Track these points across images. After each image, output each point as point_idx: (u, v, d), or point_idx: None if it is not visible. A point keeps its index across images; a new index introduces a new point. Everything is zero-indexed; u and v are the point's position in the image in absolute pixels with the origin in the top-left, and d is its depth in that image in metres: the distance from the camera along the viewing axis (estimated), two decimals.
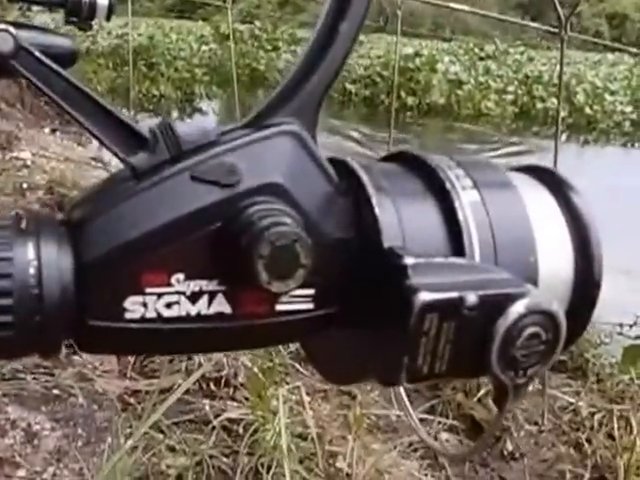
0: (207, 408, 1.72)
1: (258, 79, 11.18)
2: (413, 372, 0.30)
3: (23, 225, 0.30)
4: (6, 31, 0.31)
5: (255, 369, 1.74)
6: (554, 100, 10.79)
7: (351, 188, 0.33)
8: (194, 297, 0.31)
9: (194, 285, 0.30)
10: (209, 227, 0.30)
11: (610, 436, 1.91)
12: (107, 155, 4.57)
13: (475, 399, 2.01)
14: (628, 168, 7.61)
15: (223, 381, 1.82)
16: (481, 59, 13.59)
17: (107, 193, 0.31)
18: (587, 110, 10.55)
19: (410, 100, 9.91)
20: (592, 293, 0.35)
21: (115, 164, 4.32)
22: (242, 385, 1.80)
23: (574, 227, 0.35)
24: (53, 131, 5.72)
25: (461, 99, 10.45)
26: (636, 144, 10.25)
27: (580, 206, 0.35)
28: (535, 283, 0.34)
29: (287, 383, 1.78)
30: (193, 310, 0.31)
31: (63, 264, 0.29)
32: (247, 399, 1.73)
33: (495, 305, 0.30)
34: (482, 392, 2.01)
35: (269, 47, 12.80)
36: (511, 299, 0.30)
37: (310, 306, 0.32)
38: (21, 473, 1.51)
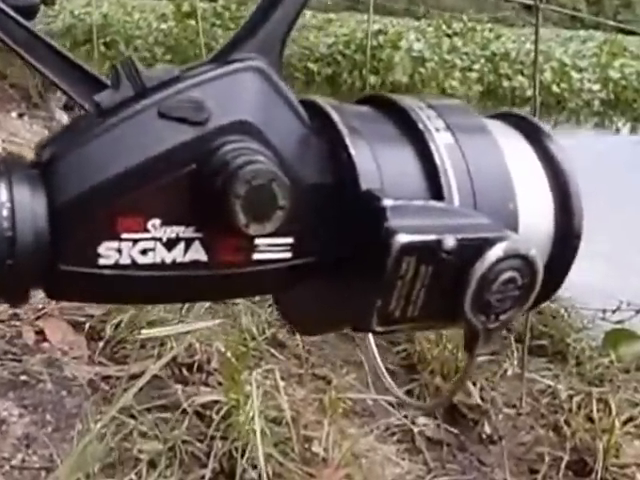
0: (179, 393, 1.71)
1: None
2: (385, 316, 0.31)
3: None
4: None
5: (229, 354, 1.74)
6: (520, 78, 10.78)
7: (324, 129, 0.33)
8: (170, 244, 0.31)
9: (170, 231, 0.31)
10: (183, 169, 0.30)
11: (589, 418, 1.93)
12: None
13: (453, 382, 2.02)
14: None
15: (196, 366, 1.82)
16: (448, 36, 13.43)
17: (74, 132, 0.32)
18: (555, 88, 10.46)
19: (373, 79, 9.79)
20: (572, 245, 0.36)
21: None
22: (215, 370, 1.80)
23: (553, 177, 0.36)
24: (20, 115, 5.64)
25: (425, 77, 10.32)
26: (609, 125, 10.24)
27: (559, 156, 0.36)
28: (515, 231, 0.34)
29: (259, 367, 1.78)
30: (169, 257, 0.31)
31: (37, 207, 0.29)
32: (220, 384, 1.73)
33: (473, 249, 0.31)
34: (460, 375, 2.03)
35: (232, 25, 12.74)
36: (489, 243, 0.31)
37: (288, 255, 0.33)
38: None
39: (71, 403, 1.72)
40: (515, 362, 2.21)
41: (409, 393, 2.01)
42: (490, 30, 14.41)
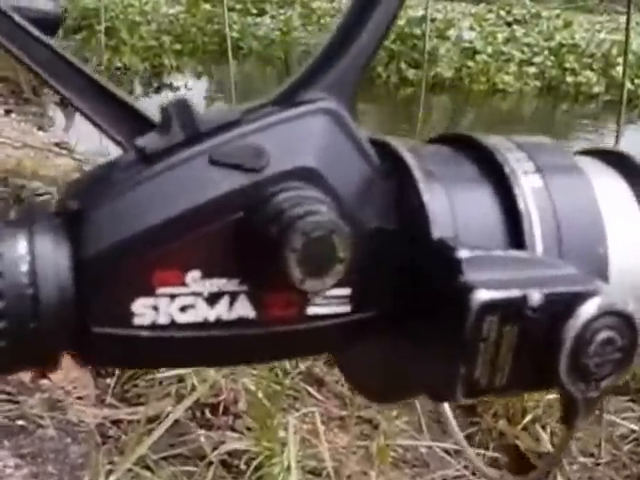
0: (202, 439, 1.74)
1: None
2: (471, 385, 0.31)
3: (13, 216, 0.31)
4: None
5: (259, 393, 1.76)
6: (588, 73, 10.70)
7: (395, 172, 0.34)
8: (212, 299, 0.31)
9: (212, 285, 0.31)
10: (230, 217, 0.31)
11: None
12: (73, 140, 4.59)
13: (520, 427, 2.03)
14: None
15: (221, 408, 1.85)
16: (508, 24, 13.48)
17: (110, 179, 0.32)
18: (628, 85, 10.36)
19: (411, 73, 9.76)
20: None
21: (83, 151, 4.34)
22: (244, 412, 1.83)
23: None
24: (7, 112, 5.72)
25: (473, 72, 10.29)
26: None
27: None
28: (605, 278, 0.34)
29: (297, 410, 1.81)
30: (212, 315, 0.31)
31: (60, 261, 0.30)
32: (250, 429, 1.76)
33: (563, 305, 0.31)
34: (528, 418, 2.03)
35: (254, 11, 12.87)
36: (581, 298, 0.31)
37: (346, 309, 0.33)
38: None
39: (76, 452, 1.75)
40: None
41: (469, 438, 2.01)
42: (557, 16, 14.37)
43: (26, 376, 2.01)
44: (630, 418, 2.27)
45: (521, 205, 0.33)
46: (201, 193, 0.31)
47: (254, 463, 1.64)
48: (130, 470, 1.55)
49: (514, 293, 0.30)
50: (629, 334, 0.31)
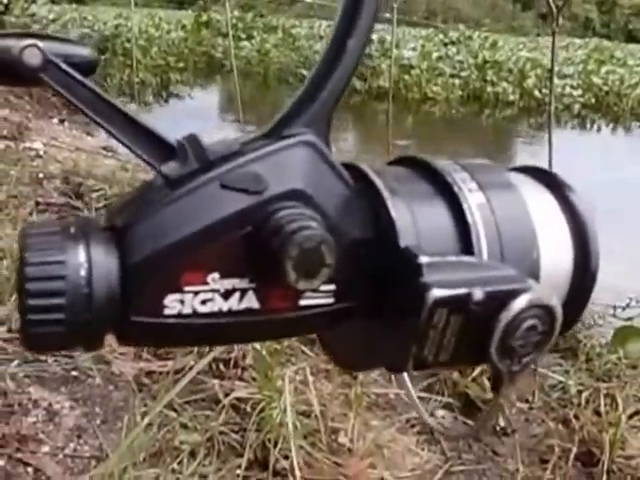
0: (217, 388, 1.73)
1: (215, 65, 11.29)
2: (419, 360, 0.32)
3: (72, 230, 0.31)
4: (34, 46, 0.32)
5: (263, 351, 1.75)
6: (504, 84, 10.65)
7: (366, 191, 0.35)
8: (227, 294, 0.32)
9: (227, 283, 0.32)
10: (241, 231, 0.32)
11: (597, 413, 1.93)
12: (116, 144, 4.55)
13: (470, 378, 2.02)
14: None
15: (232, 362, 1.83)
16: (445, 45, 13.43)
17: (145, 201, 0.33)
18: (536, 93, 10.35)
19: (358, 84, 9.75)
20: (589, 285, 0.37)
21: (125, 153, 4.32)
22: (250, 366, 1.82)
23: (573, 224, 0.37)
24: (61, 121, 5.71)
25: (408, 84, 10.26)
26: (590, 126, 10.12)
27: (578, 204, 0.37)
28: (537, 277, 0.35)
29: (292, 364, 1.80)
30: (225, 306, 0.32)
31: (110, 266, 0.31)
32: (254, 379, 1.75)
33: (500, 300, 0.32)
34: (477, 371, 2.03)
35: (243, 36, 12.84)
36: (515, 294, 0.32)
37: (331, 300, 0.34)
38: (45, 449, 1.53)
39: (118, 397, 1.75)
40: None
41: (429, 387, 2.01)
42: (485, 38, 14.28)
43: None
44: (559, 371, 2.26)
45: (469, 218, 0.34)
46: (217, 212, 0.32)
47: (258, 407, 1.63)
48: (160, 412, 1.54)
49: (461, 291, 0.31)
50: (550, 322, 0.32)
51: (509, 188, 0.36)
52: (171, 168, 0.32)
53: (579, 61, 13.36)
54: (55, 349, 0.32)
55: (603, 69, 12.46)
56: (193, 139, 0.33)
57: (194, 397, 1.71)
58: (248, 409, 1.65)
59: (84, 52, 0.36)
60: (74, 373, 1.82)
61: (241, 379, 1.80)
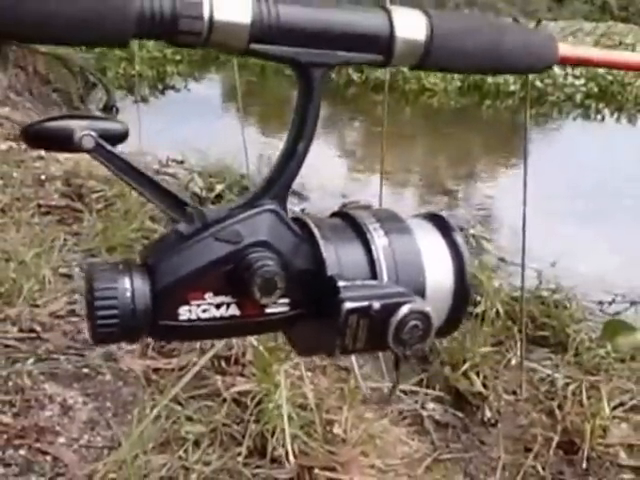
0: (219, 383, 1.89)
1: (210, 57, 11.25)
2: (343, 348, 0.51)
3: (120, 267, 0.51)
4: (89, 135, 0.50)
5: (261, 348, 1.91)
6: (507, 76, 10.64)
7: (308, 238, 0.54)
8: (218, 306, 0.51)
9: (218, 299, 0.51)
10: (226, 267, 0.51)
11: (581, 404, 2.11)
12: (119, 146, 4.66)
13: (460, 372, 2.21)
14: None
15: (233, 359, 1.99)
16: None
17: (166, 248, 0.52)
18: (538, 83, 10.25)
19: (355, 76, 9.86)
20: (465, 301, 0.56)
21: (127, 152, 4.42)
22: (250, 362, 1.98)
23: (454, 256, 0.56)
24: None
25: (406, 76, 10.13)
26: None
27: (459, 243, 0.56)
28: (423, 294, 0.54)
29: (290, 360, 1.95)
30: (218, 313, 0.51)
31: (145, 290, 0.50)
32: (254, 375, 1.91)
33: (392, 308, 0.51)
34: (466, 366, 2.22)
35: None
36: (400, 305, 0.51)
37: (286, 309, 0.53)
38: (61, 440, 1.71)
39: (127, 392, 1.92)
40: (518, 353, 2.39)
41: (421, 382, 2.19)
42: None
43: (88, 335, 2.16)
44: (548, 365, 2.44)
45: (375, 255, 0.53)
46: (211, 255, 0.51)
47: (257, 400, 1.79)
48: (167, 405, 1.71)
49: (365, 303, 0.50)
50: (426, 323, 0.52)
51: (405, 231, 0.55)
52: (183, 226, 0.52)
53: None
54: (113, 342, 0.52)
55: None
56: (197, 208, 0.53)
57: (198, 392, 1.87)
58: (248, 402, 1.81)
59: (117, 126, 0.52)
60: (85, 370, 1.98)
61: (241, 374, 1.96)
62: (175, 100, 8.35)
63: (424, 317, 0.52)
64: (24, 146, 4.36)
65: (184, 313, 0.51)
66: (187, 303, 0.51)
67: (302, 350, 0.59)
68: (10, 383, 1.88)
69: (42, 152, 4.29)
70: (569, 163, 5.85)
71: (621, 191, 5.21)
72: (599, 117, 10.04)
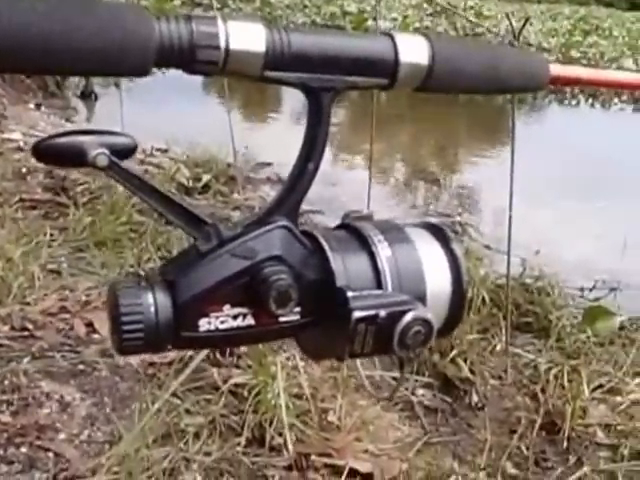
0: (216, 375, 1.92)
1: None
2: (351, 353, 0.55)
3: (143, 283, 0.54)
4: (103, 154, 0.50)
5: None
6: None
7: (318, 250, 0.57)
8: (235, 317, 0.54)
9: (236, 310, 0.54)
10: (242, 280, 0.54)
11: (562, 387, 2.16)
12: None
13: (448, 359, 2.25)
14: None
15: (228, 351, 2.01)
16: (430, 15, 13.29)
17: (186, 264, 0.55)
18: None
19: None
20: (462, 306, 0.59)
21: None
22: (245, 354, 2.00)
23: (452, 264, 0.59)
24: (37, 106, 5.61)
25: None
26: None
27: (457, 252, 0.59)
28: (424, 301, 0.57)
29: (284, 351, 1.99)
30: (234, 324, 0.54)
31: (167, 305, 0.53)
32: (250, 366, 1.93)
33: (397, 316, 0.54)
34: (454, 353, 2.25)
35: (218, 6, 12.82)
36: (405, 312, 0.54)
37: (298, 317, 0.56)
38: (62, 436, 1.73)
39: (124, 387, 1.94)
40: (503, 339, 2.44)
41: (410, 368, 2.22)
42: (471, 8, 13.95)
43: (81, 331, 2.14)
44: (532, 350, 2.48)
45: (380, 266, 0.56)
46: (228, 270, 0.54)
47: (254, 391, 1.81)
48: (166, 399, 1.74)
49: (372, 312, 0.53)
50: (428, 328, 0.55)
51: (408, 242, 0.58)
52: (201, 244, 0.55)
53: (564, 32, 13.40)
54: (138, 354, 0.55)
55: (586, 41, 12.48)
56: (214, 226, 0.55)
57: (195, 384, 1.89)
58: (245, 393, 1.84)
59: (126, 140, 0.53)
60: (81, 367, 2.00)
61: (237, 367, 1.99)
62: (156, 84, 8.21)
63: (426, 323, 0.55)
64: (1, 137, 4.20)
65: (204, 325, 0.54)
66: (207, 315, 0.53)
67: (313, 355, 0.62)
68: (6, 382, 1.89)
69: (20, 142, 4.11)
70: (549, 147, 5.90)
71: (599, 174, 5.27)
72: (574, 102, 10.11)
